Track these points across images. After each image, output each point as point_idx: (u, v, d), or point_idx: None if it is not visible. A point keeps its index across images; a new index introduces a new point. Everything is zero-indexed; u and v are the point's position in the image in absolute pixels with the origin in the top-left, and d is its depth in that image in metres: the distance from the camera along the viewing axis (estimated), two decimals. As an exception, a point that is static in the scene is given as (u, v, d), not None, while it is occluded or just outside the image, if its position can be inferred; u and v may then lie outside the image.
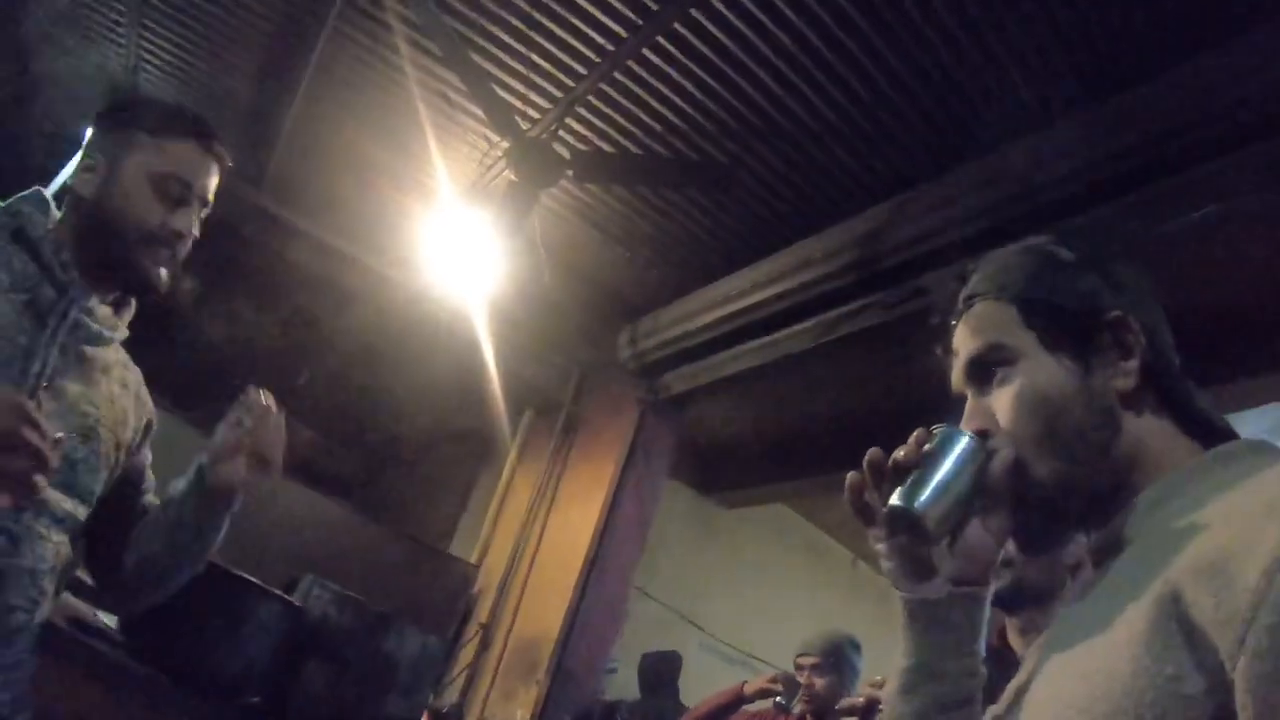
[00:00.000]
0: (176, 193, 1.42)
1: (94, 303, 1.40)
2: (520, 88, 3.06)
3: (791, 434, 4.86)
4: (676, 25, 2.69)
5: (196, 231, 1.47)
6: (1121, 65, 2.50)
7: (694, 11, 2.64)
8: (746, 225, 3.52)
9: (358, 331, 4.76)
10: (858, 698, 1.73)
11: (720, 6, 2.60)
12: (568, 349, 4.53)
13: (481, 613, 4.17)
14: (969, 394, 0.97)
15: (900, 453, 0.93)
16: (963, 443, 0.90)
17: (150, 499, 1.58)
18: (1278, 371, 2.87)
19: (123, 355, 1.52)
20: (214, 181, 1.49)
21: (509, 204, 2.88)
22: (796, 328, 3.53)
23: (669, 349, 4.03)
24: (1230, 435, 0.89)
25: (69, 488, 1.35)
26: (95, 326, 1.40)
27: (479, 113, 3.19)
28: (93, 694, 1.94)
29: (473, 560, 4.46)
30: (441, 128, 3.41)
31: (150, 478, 1.61)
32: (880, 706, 1.67)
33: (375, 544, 4.15)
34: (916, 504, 0.89)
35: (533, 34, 2.86)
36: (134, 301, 1.51)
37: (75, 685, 1.88)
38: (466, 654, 4.06)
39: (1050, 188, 2.67)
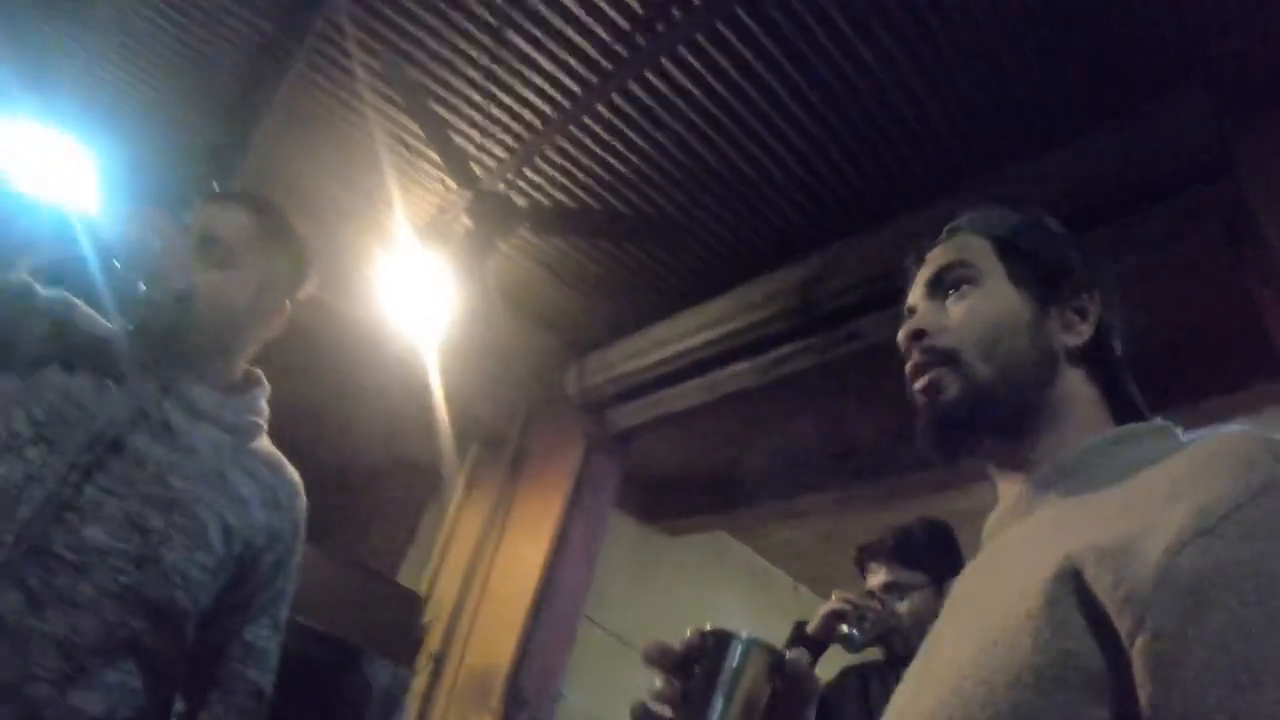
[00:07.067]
0: (176, 236, 1.43)
1: (185, 377, 1.39)
2: (479, 138, 3.19)
3: (732, 467, 5.01)
4: (630, 84, 2.86)
5: (203, 263, 1.43)
6: (1048, 127, 2.68)
7: (646, 72, 2.81)
8: (692, 270, 3.68)
9: (308, 364, 4.82)
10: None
11: (670, 68, 2.77)
12: (517, 384, 4.64)
13: (432, 643, 4.24)
14: (922, 301, 1.01)
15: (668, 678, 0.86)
16: (739, 648, 0.83)
17: (241, 673, 1.42)
18: (1185, 407, 3.09)
19: (265, 452, 1.48)
20: (217, 220, 1.47)
21: (466, 251, 3.01)
22: (737, 368, 3.68)
23: (615, 386, 4.16)
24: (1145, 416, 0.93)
25: (140, 561, 1.26)
26: (185, 397, 1.38)
27: (437, 160, 3.32)
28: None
29: (421, 591, 4.52)
30: (400, 171, 3.52)
31: (251, 644, 1.43)
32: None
33: (324, 574, 4.18)
34: None
35: (492, 88, 3.01)
36: (250, 388, 1.50)
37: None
38: (419, 684, 4.12)
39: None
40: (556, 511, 4.18)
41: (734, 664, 0.82)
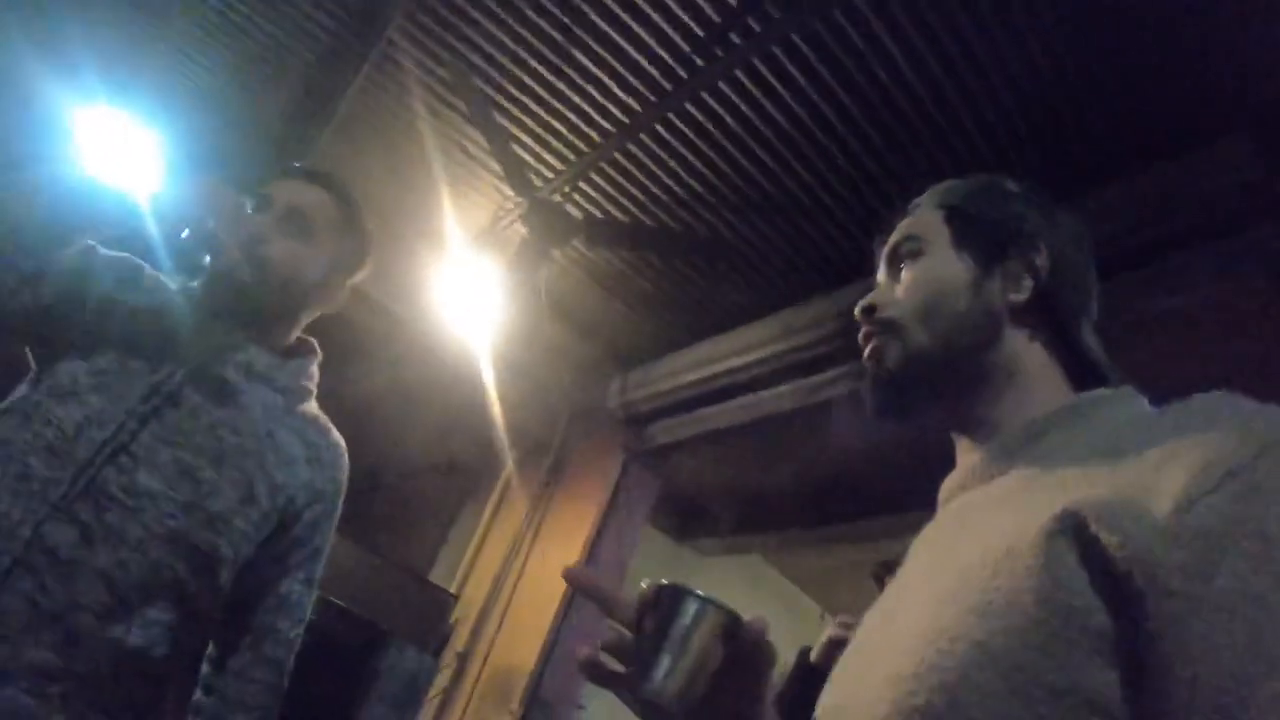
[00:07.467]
0: (254, 205, 1.49)
1: (241, 338, 1.46)
2: (539, 149, 3.26)
3: (768, 489, 5.02)
4: (687, 105, 2.91)
5: (283, 233, 1.48)
6: (1091, 166, 2.67)
7: (704, 94, 2.86)
8: (739, 290, 3.71)
9: (358, 361, 4.91)
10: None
11: (727, 90, 2.82)
12: (560, 393, 4.70)
13: (458, 641, 4.29)
14: (881, 278, 1.04)
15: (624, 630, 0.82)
16: (694, 606, 0.79)
17: (273, 623, 1.46)
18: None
19: (313, 414, 1.55)
20: (300, 194, 1.52)
21: (520, 258, 3.07)
22: (779, 390, 3.71)
23: (657, 401, 4.20)
24: (1106, 375, 0.93)
25: (190, 508, 1.32)
26: (242, 357, 1.45)
27: (496, 168, 3.39)
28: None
29: (452, 590, 4.58)
30: (458, 178, 3.60)
31: (285, 597, 1.48)
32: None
33: (360, 567, 4.26)
34: (650, 683, 0.78)
35: (553, 101, 3.08)
36: (305, 353, 1.56)
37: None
38: (441, 680, 4.17)
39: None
40: (590, 521, 4.23)
41: (686, 623, 0.79)
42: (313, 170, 1.59)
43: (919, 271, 0.98)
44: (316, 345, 1.62)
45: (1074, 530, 0.67)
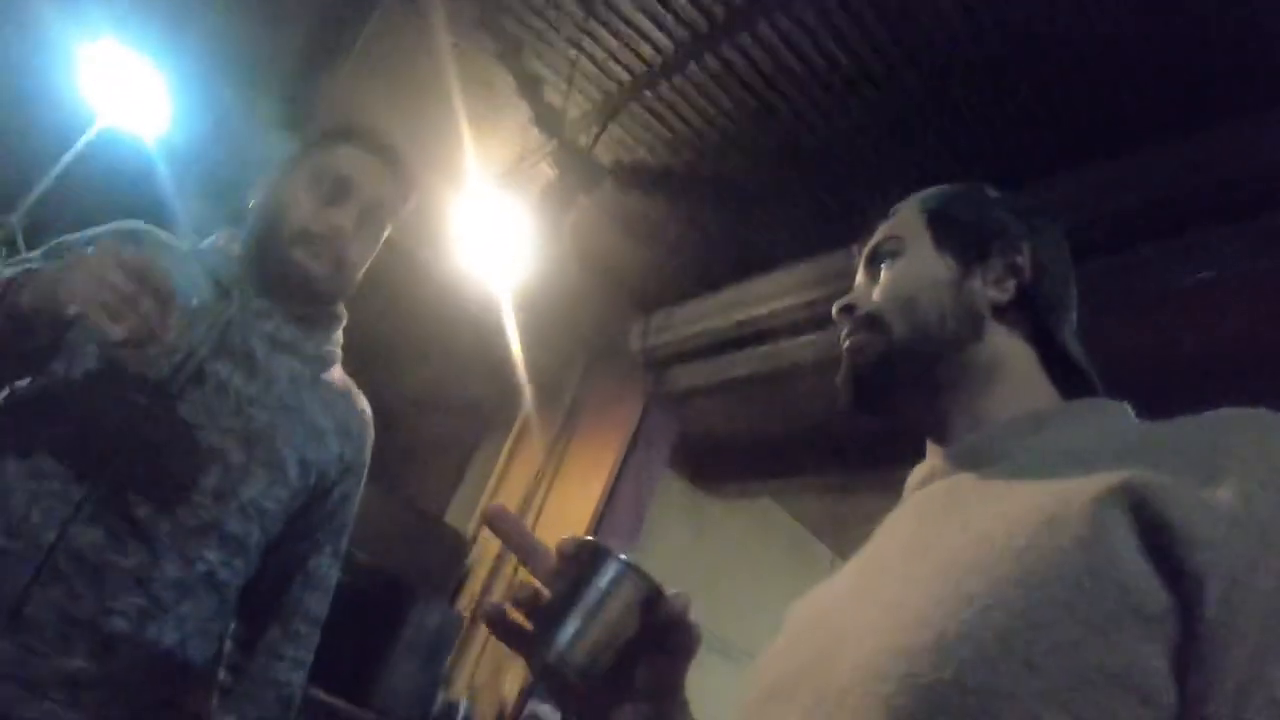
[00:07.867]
0: (330, 188, 1.39)
1: (266, 306, 1.38)
2: (567, 88, 3.16)
3: (786, 436, 4.99)
4: (723, 47, 2.80)
5: (362, 233, 1.42)
6: (1124, 130, 2.63)
7: (740, 36, 2.75)
8: (764, 237, 3.63)
9: (368, 294, 4.85)
10: None
11: (767, 32, 2.71)
12: (579, 335, 4.64)
13: (474, 585, 4.29)
14: (860, 277, 1.05)
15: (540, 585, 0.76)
16: (612, 570, 0.71)
17: (301, 599, 1.43)
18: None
19: (339, 382, 1.49)
20: (382, 185, 1.44)
21: (546, 201, 3.00)
22: (802, 339, 3.66)
23: (679, 346, 4.15)
24: (1087, 379, 0.93)
25: (220, 495, 1.27)
26: (268, 327, 1.37)
27: (522, 106, 3.30)
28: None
29: (469, 532, 4.57)
30: (482, 117, 3.50)
31: (313, 572, 1.45)
32: None
33: (375, 509, 4.23)
34: (552, 649, 0.70)
35: (584, 40, 2.97)
36: (332, 321, 1.49)
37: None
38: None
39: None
40: (610, 464, 4.20)
41: (602, 585, 0.71)
42: (385, 142, 1.47)
43: (899, 269, 0.99)
44: (342, 308, 1.55)
45: (1132, 504, 0.64)
